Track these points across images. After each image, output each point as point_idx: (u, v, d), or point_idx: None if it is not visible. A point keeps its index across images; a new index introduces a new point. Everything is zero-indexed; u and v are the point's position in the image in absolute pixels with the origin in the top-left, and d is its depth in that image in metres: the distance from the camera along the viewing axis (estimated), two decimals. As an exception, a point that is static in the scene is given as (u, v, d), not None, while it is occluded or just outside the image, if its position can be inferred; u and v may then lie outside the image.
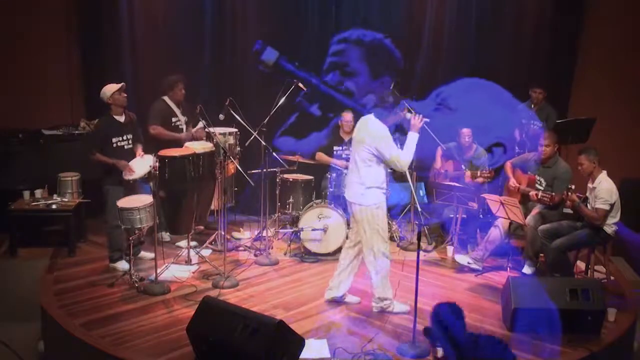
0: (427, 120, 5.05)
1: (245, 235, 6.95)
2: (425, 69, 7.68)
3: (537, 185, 5.98)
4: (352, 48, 7.68)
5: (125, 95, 5.79)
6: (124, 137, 5.83)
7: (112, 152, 5.73)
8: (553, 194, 5.72)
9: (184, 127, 6.59)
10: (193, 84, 6.97)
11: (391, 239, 6.90)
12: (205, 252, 6.29)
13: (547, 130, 6.42)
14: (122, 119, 5.82)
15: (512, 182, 6.13)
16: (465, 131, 6.55)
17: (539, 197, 5.76)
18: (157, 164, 5.46)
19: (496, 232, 6.00)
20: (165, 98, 6.50)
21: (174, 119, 6.52)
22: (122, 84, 5.78)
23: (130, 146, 5.88)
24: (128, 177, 5.69)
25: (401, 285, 5.59)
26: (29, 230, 6.44)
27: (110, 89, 5.74)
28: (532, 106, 7.19)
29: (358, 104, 7.66)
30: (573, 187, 5.53)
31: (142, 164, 5.71)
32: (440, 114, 7.00)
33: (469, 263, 6.10)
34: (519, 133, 7.34)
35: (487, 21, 7.56)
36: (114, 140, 5.75)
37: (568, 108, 7.69)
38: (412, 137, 5.00)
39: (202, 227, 6.86)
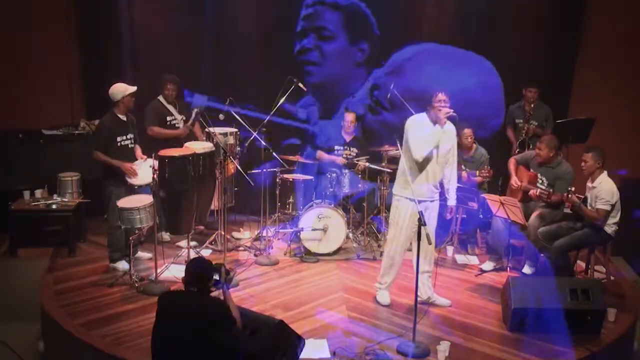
0: (453, 114, 5.01)
1: (245, 235, 6.95)
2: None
3: (538, 184, 5.98)
4: (329, 11, 7.54)
5: (134, 99, 5.82)
6: (127, 136, 5.84)
7: (116, 150, 5.74)
8: (551, 190, 5.74)
9: (181, 125, 6.59)
10: (193, 84, 6.97)
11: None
12: (205, 252, 6.29)
13: (548, 134, 6.42)
14: (124, 117, 5.83)
15: (514, 180, 6.13)
16: (467, 132, 6.56)
17: (537, 193, 5.77)
18: (157, 164, 5.46)
19: (497, 224, 6.04)
20: (160, 97, 6.54)
21: (169, 118, 6.53)
22: (135, 88, 5.79)
23: (133, 145, 5.90)
24: (133, 182, 5.69)
25: (400, 285, 5.61)
26: (29, 230, 6.43)
27: (123, 90, 5.73)
28: (531, 105, 7.19)
29: (310, 124, 7.55)
30: (573, 189, 5.53)
31: (146, 169, 5.67)
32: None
33: (495, 267, 6.15)
34: (513, 134, 7.35)
35: (486, 21, 7.55)
36: (118, 139, 5.76)
37: (568, 108, 7.68)
38: (432, 131, 5.02)
39: (202, 227, 6.87)
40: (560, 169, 5.92)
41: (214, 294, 3.91)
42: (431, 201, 5.16)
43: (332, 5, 7.54)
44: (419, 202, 4.99)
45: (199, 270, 3.80)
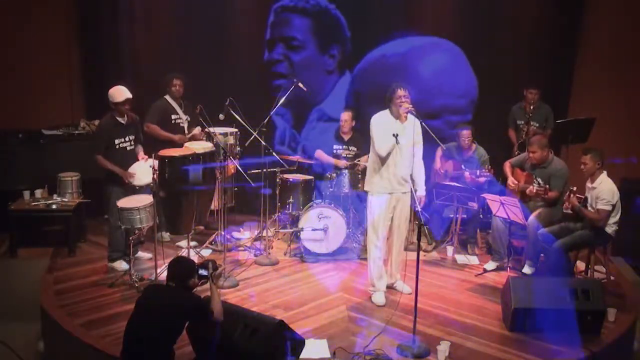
0: (412, 110, 5.12)
1: (245, 235, 6.95)
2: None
3: (534, 184, 5.99)
4: (297, 18, 7.44)
5: (128, 107, 5.78)
6: (126, 139, 5.84)
7: (115, 153, 5.75)
8: (547, 186, 5.76)
9: (185, 125, 6.59)
10: (193, 84, 6.97)
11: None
12: (205, 252, 6.29)
13: (537, 135, 6.41)
14: (124, 120, 5.83)
15: (511, 180, 6.16)
16: (465, 133, 6.57)
17: (534, 191, 5.78)
18: (157, 164, 5.46)
19: (497, 224, 6.04)
20: (167, 96, 6.54)
21: (174, 117, 6.52)
22: (126, 97, 5.72)
23: (132, 147, 5.90)
24: (133, 182, 5.68)
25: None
26: (29, 230, 6.42)
27: (115, 96, 5.71)
28: (531, 107, 7.19)
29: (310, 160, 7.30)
30: (575, 188, 5.53)
31: (146, 169, 5.66)
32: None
33: (497, 266, 6.15)
34: (515, 135, 7.36)
35: (486, 21, 7.55)
36: (116, 141, 5.77)
37: (568, 108, 7.68)
38: (394, 126, 5.18)
39: (202, 227, 6.86)
40: (553, 167, 5.95)
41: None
42: (402, 193, 5.32)
43: (300, 11, 7.45)
44: (391, 194, 5.29)
45: (176, 269, 4.00)
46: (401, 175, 5.26)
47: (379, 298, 5.42)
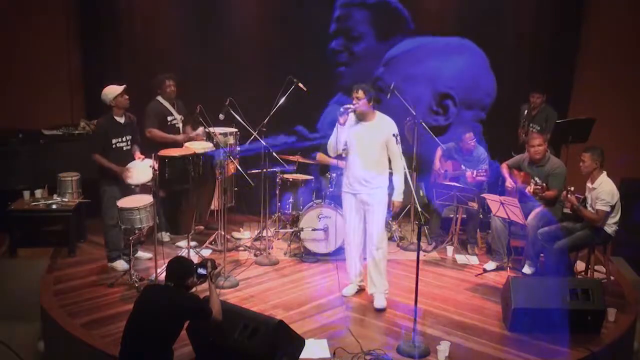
0: (345, 108, 5.13)
1: (245, 235, 6.95)
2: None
3: (531, 183, 5.99)
4: (356, 11, 7.64)
5: (127, 97, 5.77)
6: (123, 139, 5.82)
7: (111, 153, 5.73)
8: (544, 185, 5.77)
9: (180, 125, 6.57)
10: (193, 84, 6.97)
11: (390, 238, 6.89)
12: (205, 252, 6.29)
13: (537, 135, 6.41)
14: (122, 120, 5.81)
15: (509, 182, 6.16)
16: (469, 135, 6.58)
17: (532, 190, 5.78)
18: (157, 164, 5.46)
19: (497, 224, 6.05)
20: (159, 98, 6.47)
21: (169, 118, 6.49)
22: (124, 86, 5.75)
23: (129, 147, 5.88)
24: (129, 181, 5.69)
25: (401, 286, 5.63)
26: (29, 230, 6.43)
27: (112, 91, 5.71)
28: (532, 110, 7.18)
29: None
30: (572, 188, 5.53)
31: (143, 169, 5.66)
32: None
33: (497, 267, 6.14)
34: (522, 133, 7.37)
35: (486, 22, 7.56)
36: (113, 141, 5.75)
37: (568, 108, 7.69)
38: (337, 126, 5.25)
39: (202, 227, 6.87)
40: (550, 166, 5.96)
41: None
42: (368, 195, 5.23)
43: (360, 5, 7.63)
44: (354, 194, 5.26)
45: (175, 268, 4.01)
46: (361, 176, 5.19)
47: (345, 290, 5.54)
